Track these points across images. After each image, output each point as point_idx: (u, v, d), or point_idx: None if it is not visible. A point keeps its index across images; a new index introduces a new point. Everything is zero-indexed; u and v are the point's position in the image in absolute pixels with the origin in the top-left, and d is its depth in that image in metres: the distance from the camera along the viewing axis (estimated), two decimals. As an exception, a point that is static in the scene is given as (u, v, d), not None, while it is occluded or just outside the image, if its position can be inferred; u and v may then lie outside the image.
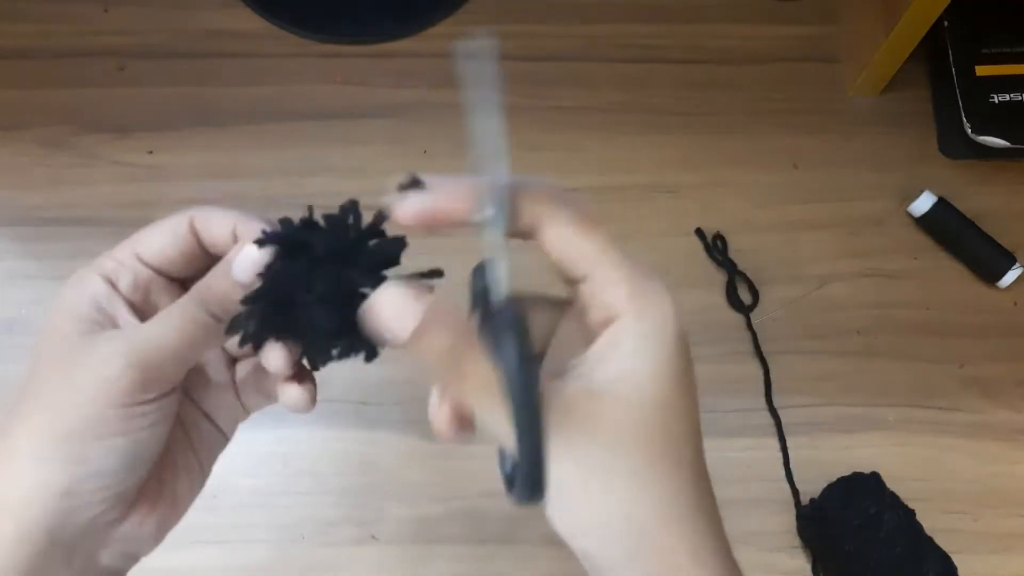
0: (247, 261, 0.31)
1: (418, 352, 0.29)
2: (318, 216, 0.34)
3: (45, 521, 0.30)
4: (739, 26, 0.73)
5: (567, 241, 0.31)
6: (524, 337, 0.28)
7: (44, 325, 0.32)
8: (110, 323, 0.32)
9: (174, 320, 0.31)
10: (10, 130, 0.68)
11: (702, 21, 0.73)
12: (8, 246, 0.65)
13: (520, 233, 0.31)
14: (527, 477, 0.27)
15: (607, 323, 0.29)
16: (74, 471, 0.30)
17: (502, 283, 0.30)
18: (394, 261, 0.33)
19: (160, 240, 0.33)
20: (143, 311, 0.33)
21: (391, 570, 0.57)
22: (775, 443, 0.60)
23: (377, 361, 0.32)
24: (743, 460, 0.60)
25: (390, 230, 0.33)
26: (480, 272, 0.32)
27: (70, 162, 0.67)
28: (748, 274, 0.64)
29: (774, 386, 0.62)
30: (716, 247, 0.65)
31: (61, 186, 0.67)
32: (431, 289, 0.31)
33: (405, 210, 0.31)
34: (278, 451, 0.59)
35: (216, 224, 0.33)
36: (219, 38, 0.72)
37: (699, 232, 0.66)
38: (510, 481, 0.29)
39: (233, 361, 0.37)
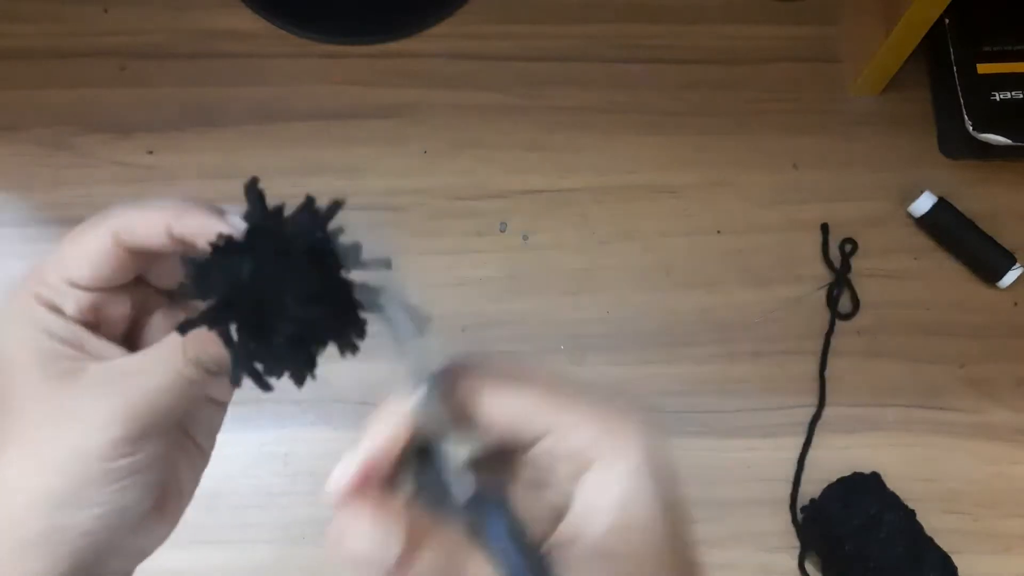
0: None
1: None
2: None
3: (60, 568, 0.28)
4: (739, 26, 0.73)
5: (506, 404, 0.27)
6: (520, 531, 0.25)
7: (2, 363, 0.29)
8: (80, 352, 0.29)
9: (165, 375, 0.29)
10: (10, 130, 0.68)
11: (702, 21, 0.73)
12: (8, 247, 0.65)
13: (464, 417, 0.27)
14: None
15: (579, 474, 0.26)
16: (74, 532, 0.28)
17: (460, 467, 0.26)
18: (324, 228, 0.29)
19: (84, 262, 0.30)
20: (101, 327, 0.30)
21: (391, 570, 0.57)
22: (775, 443, 0.60)
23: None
24: (743, 460, 0.60)
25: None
26: (421, 458, 0.27)
27: (70, 162, 0.67)
28: (752, 273, 0.65)
29: (774, 386, 0.62)
30: (843, 250, 0.65)
31: (61, 186, 0.67)
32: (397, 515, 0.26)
33: (340, 491, 0.26)
34: (278, 451, 0.59)
35: (142, 229, 0.29)
36: (219, 38, 0.72)
37: (823, 228, 0.66)
38: None
39: None
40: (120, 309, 0.31)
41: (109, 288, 0.30)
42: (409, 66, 0.71)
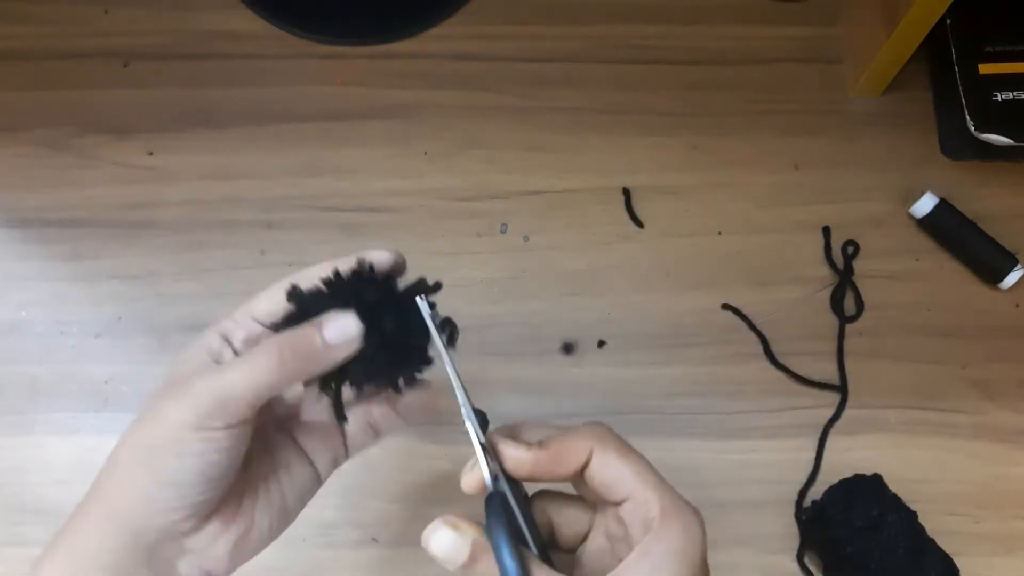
0: (342, 330, 0.37)
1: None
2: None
3: (132, 521, 0.35)
4: (740, 27, 0.73)
5: (610, 466, 0.36)
6: (513, 537, 0.34)
7: (168, 373, 0.39)
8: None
9: (257, 362, 0.36)
10: (10, 131, 0.68)
11: (703, 22, 0.73)
12: (9, 247, 0.65)
13: (572, 472, 0.37)
14: None
15: (639, 538, 0.35)
16: (157, 478, 0.35)
17: (491, 482, 0.36)
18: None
19: (268, 301, 0.40)
20: None
21: (391, 573, 0.57)
22: (776, 445, 0.60)
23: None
24: (744, 462, 0.59)
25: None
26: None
27: (70, 163, 0.67)
28: (752, 275, 0.64)
29: (774, 387, 0.62)
30: (845, 252, 0.65)
31: (61, 187, 0.67)
32: (477, 526, 0.35)
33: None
34: (278, 453, 0.59)
35: (310, 282, 0.39)
36: (219, 39, 0.72)
37: (824, 230, 0.66)
38: None
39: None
40: None
41: (273, 326, 0.39)
42: (410, 67, 0.71)
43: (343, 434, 0.42)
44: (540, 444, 0.37)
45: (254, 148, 0.68)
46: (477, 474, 0.37)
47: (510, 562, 0.33)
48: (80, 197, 0.66)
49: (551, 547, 0.38)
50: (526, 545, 0.35)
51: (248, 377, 0.36)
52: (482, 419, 0.38)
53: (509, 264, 0.65)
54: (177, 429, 0.35)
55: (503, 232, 0.66)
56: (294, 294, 0.39)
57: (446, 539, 0.35)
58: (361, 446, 0.43)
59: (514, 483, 0.37)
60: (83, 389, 0.61)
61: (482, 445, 0.37)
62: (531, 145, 0.68)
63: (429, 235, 0.65)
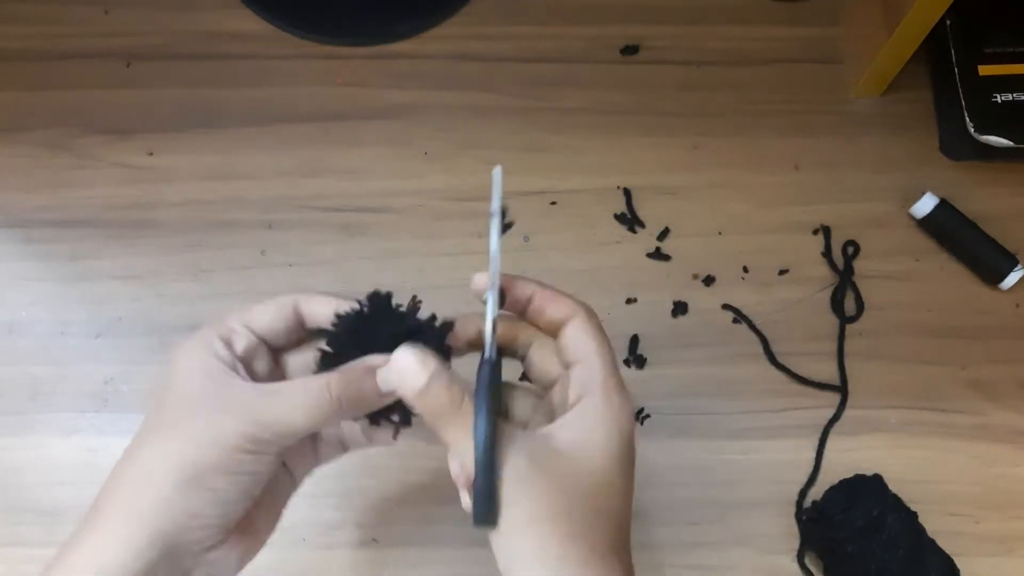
0: (396, 375, 0.38)
1: (420, 405, 0.37)
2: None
3: (168, 535, 0.35)
4: (740, 27, 0.73)
5: (583, 332, 0.39)
6: (493, 394, 0.37)
7: (175, 371, 0.38)
8: (232, 373, 0.38)
9: (309, 401, 0.37)
10: (10, 132, 0.68)
11: (703, 22, 0.73)
12: (9, 248, 0.65)
13: (555, 320, 0.40)
14: (481, 505, 0.35)
15: (579, 400, 0.37)
16: (203, 496, 0.36)
17: (489, 350, 0.39)
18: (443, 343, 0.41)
19: (268, 315, 0.40)
20: (250, 370, 0.40)
21: (391, 573, 0.56)
22: (777, 445, 0.60)
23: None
24: (744, 462, 0.59)
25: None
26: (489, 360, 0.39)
27: (70, 164, 0.67)
28: (749, 273, 0.64)
29: (774, 387, 0.62)
30: (845, 253, 0.65)
31: (61, 188, 0.66)
32: (439, 362, 0.37)
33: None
34: (278, 453, 0.59)
35: (319, 307, 0.41)
36: (219, 40, 0.72)
37: (825, 230, 0.66)
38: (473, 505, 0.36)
39: None
40: (261, 365, 0.41)
41: (268, 342, 0.41)
42: (410, 67, 0.71)
43: (317, 448, 0.45)
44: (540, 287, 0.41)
45: (254, 148, 0.68)
46: (478, 326, 0.40)
47: (482, 423, 0.36)
48: (80, 197, 0.66)
49: None
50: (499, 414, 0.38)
51: (308, 413, 0.37)
52: (502, 296, 0.41)
53: (509, 264, 0.64)
54: (232, 451, 0.36)
55: (503, 232, 0.65)
56: (330, 337, 0.40)
57: (410, 362, 0.37)
58: (331, 459, 0.45)
59: (497, 365, 0.39)
60: (83, 389, 0.61)
61: (492, 321, 0.39)
62: (531, 145, 0.68)
63: (429, 235, 0.65)
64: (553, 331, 0.40)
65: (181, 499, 0.35)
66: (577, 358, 0.38)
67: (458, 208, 0.66)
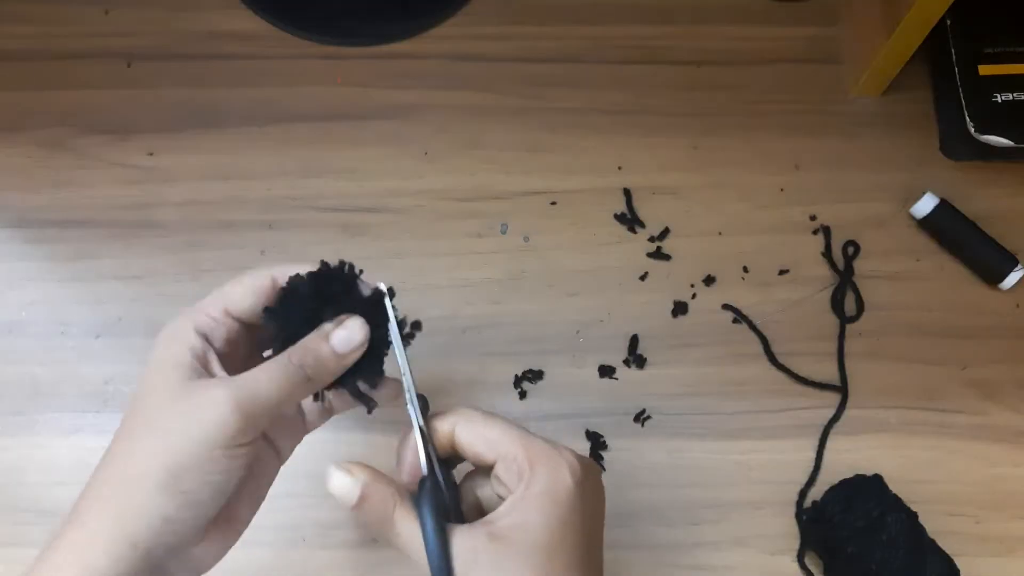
0: (349, 338, 0.39)
1: (360, 517, 0.39)
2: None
3: (147, 540, 0.35)
4: (740, 27, 0.73)
5: (474, 434, 0.40)
6: (436, 507, 0.38)
7: (149, 367, 0.38)
8: (206, 372, 0.38)
9: (274, 377, 0.37)
10: (10, 132, 0.68)
11: (703, 22, 0.73)
12: (8, 248, 0.65)
13: (446, 443, 0.41)
14: None
15: (511, 482, 0.38)
16: (179, 500, 0.36)
17: (426, 464, 0.40)
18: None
19: (245, 295, 0.40)
20: (229, 359, 0.40)
21: (391, 573, 0.56)
22: (777, 446, 0.60)
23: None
24: (744, 462, 0.59)
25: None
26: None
27: (70, 164, 0.67)
28: (749, 273, 0.64)
29: (774, 388, 0.62)
30: (845, 253, 0.65)
31: (61, 188, 0.66)
32: (369, 470, 0.39)
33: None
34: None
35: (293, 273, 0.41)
36: (219, 40, 0.72)
37: (825, 230, 0.66)
38: None
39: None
40: (243, 350, 0.41)
41: (247, 322, 0.41)
42: (410, 68, 0.71)
43: (303, 419, 0.45)
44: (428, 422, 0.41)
45: (254, 148, 0.68)
46: (413, 458, 0.40)
47: (431, 534, 0.37)
48: (80, 197, 0.66)
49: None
50: (450, 519, 0.39)
51: (275, 395, 0.37)
52: (423, 404, 0.41)
53: (509, 264, 0.65)
54: (207, 449, 0.36)
55: (503, 232, 0.66)
56: (273, 314, 0.40)
57: (340, 482, 0.38)
58: (318, 425, 0.46)
59: (445, 465, 0.41)
60: (83, 389, 0.61)
61: (421, 430, 0.40)
62: (531, 145, 0.68)
63: (429, 235, 0.65)
64: (452, 444, 0.41)
65: (156, 505, 0.36)
66: (488, 448, 0.39)
67: (458, 208, 0.66)
